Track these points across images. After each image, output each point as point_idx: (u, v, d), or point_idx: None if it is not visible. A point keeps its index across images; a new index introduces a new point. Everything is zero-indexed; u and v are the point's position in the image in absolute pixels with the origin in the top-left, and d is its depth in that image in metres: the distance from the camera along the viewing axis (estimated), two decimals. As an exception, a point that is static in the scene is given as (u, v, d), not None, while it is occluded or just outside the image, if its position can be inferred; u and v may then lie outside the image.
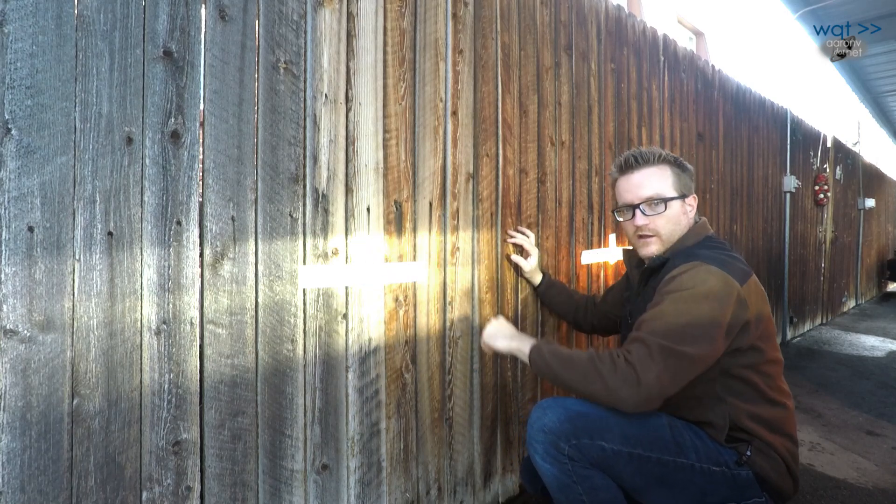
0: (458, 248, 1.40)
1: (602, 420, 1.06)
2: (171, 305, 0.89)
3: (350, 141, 1.15)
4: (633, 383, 0.97)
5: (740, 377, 1.09)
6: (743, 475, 1.06)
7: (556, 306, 1.63)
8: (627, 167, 1.25)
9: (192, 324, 0.92)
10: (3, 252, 0.74)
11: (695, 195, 1.25)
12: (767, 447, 1.08)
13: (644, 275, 1.25)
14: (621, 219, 1.29)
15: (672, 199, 1.20)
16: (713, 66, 2.86)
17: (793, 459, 1.11)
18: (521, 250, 1.57)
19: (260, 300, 1.01)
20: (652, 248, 1.23)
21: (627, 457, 1.05)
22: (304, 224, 1.07)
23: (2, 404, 0.74)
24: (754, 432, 1.08)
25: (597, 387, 1.00)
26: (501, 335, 1.24)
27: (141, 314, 0.86)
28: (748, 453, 1.07)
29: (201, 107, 0.93)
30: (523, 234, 1.56)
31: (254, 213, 1.00)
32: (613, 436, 1.05)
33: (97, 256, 0.82)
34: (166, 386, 0.89)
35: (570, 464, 1.04)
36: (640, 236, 1.24)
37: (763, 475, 1.07)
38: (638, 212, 1.22)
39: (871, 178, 6.65)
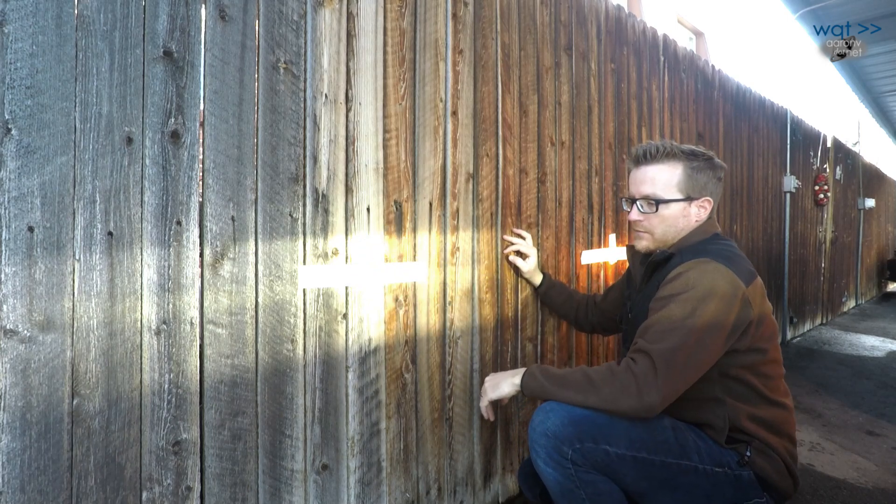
0: (458, 248, 1.40)
1: (607, 424, 1.04)
2: (171, 305, 0.89)
3: (350, 141, 1.15)
4: (633, 393, 0.97)
5: (739, 378, 1.08)
6: (745, 476, 1.06)
7: (556, 307, 1.63)
8: (637, 160, 1.24)
9: (192, 324, 0.92)
10: (3, 252, 0.74)
11: (708, 198, 1.19)
12: (767, 447, 1.08)
13: (648, 269, 1.24)
14: (626, 208, 1.29)
15: (670, 200, 1.18)
16: (713, 66, 2.86)
17: (792, 459, 1.11)
18: (518, 252, 1.57)
19: (260, 300, 1.01)
20: (643, 244, 1.25)
21: (632, 460, 1.03)
22: (304, 224, 1.07)
23: (2, 404, 0.74)
24: (753, 433, 1.08)
25: (593, 399, 1.01)
26: (501, 382, 1.18)
27: (141, 314, 0.86)
28: (748, 454, 1.06)
29: (201, 107, 0.93)
30: (520, 236, 1.56)
31: (254, 213, 1.00)
32: (618, 439, 1.03)
33: (97, 256, 0.82)
34: (166, 386, 0.89)
35: (574, 468, 1.02)
36: (635, 230, 1.27)
37: (763, 475, 1.06)
38: (635, 207, 1.24)
39: (871, 178, 6.65)
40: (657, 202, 1.19)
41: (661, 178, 1.19)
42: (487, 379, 1.22)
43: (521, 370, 1.16)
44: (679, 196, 1.18)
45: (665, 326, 1.01)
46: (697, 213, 1.19)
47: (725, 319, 1.01)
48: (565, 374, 1.08)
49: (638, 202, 1.22)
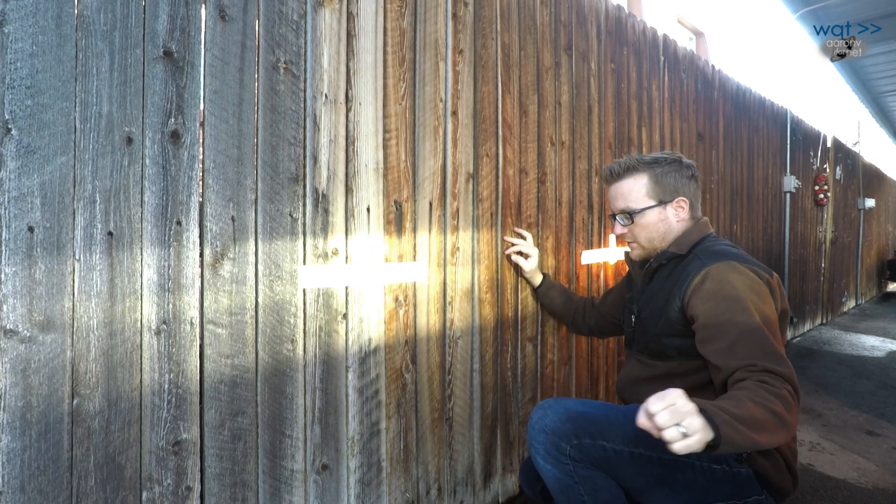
0: (458, 248, 1.40)
1: (604, 420, 1.06)
2: (171, 305, 0.89)
3: (350, 141, 1.15)
4: (796, 412, 0.92)
5: None
6: (743, 473, 1.06)
7: (555, 308, 1.63)
8: (607, 180, 1.32)
9: (192, 324, 0.92)
10: (3, 252, 0.74)
11: (682, 198, 1.23)
12: None
13: (648, 272, 1.27)
14: (613, 222, 1.36)
15: (644, 209, 1.23)
16: (713, 66, 2.86)
17: (792, 457, 1.11)
18: (519, 252, 1.57)
19: (260, 300, 1.01)
20: (635, 253, 1.31)
21: (629, 456, 1.04)
22: (304, 224, 1.07)
23: (2, 404, 0.74)
24: None
25: (784, 435, 0.88)
26: (698, 428, 0.78)
27: (141, 314, 0.86)
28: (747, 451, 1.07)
29: (201, 107, 0.93)
30: (521, 236, 1.56)
31: (254, 213, 1.00)
32: (615, 435, 1.05)
33: (97, 256, 0.82)
34: (166, 386, 0.89)
35: (572, 464, 1.04)
36: (625, 241, 1.33)
37: (763, 473, 1.07)
38: (616, 222, 1.31)
39: (871, 178, 6.65)
40: (631, 213, 1.25)
41: (631, 191, 1.25)
42: (669, 416, 0.79)
43: (700, 416, 0.78)
44: (651, 203, 1.24)
45: (757, 341, 0.98)
46: (675, 213, 1.24)
47: (775, 311, 1.07)
48: (753, 415, 0.85)
49: (618, 217, 1.29)
